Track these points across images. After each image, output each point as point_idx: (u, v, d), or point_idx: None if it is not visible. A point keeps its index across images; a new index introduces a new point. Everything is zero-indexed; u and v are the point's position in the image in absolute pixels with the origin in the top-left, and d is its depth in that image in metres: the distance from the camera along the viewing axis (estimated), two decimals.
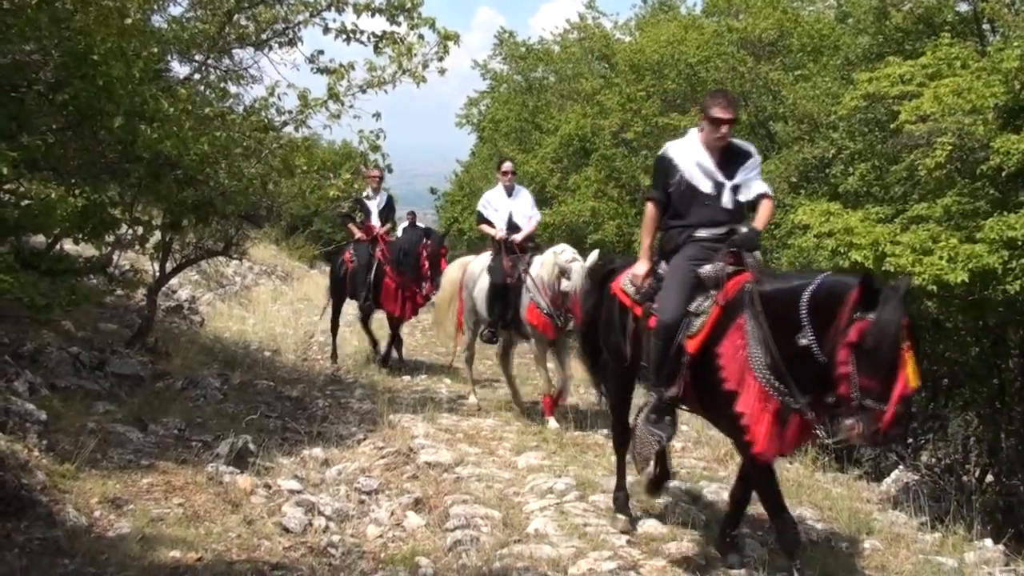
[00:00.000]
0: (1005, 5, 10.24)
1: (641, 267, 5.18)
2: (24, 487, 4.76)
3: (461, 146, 30.23)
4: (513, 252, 8.81)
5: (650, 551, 5.19)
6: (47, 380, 7.00)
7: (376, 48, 7.83)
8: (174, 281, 12.18)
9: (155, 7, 7.17)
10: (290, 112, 7.86)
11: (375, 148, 7.99)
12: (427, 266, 10.78)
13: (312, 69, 8.02)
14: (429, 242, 10.95)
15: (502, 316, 8.74)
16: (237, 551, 4.86)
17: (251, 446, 6.52)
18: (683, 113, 13.21)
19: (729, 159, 5.08)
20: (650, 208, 5.24)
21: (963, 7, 11.24)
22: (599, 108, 15.18)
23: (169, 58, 7.86)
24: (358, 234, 11.48)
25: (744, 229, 4.98)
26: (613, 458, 7.11)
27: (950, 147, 8.79)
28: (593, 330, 5.89)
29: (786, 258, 10.73)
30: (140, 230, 7.36)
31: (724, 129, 4.98)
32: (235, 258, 12.52)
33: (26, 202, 5.44)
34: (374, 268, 11.13)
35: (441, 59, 7.85)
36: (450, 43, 7.80)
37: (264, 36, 7.93)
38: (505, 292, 8.68)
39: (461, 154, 29.68)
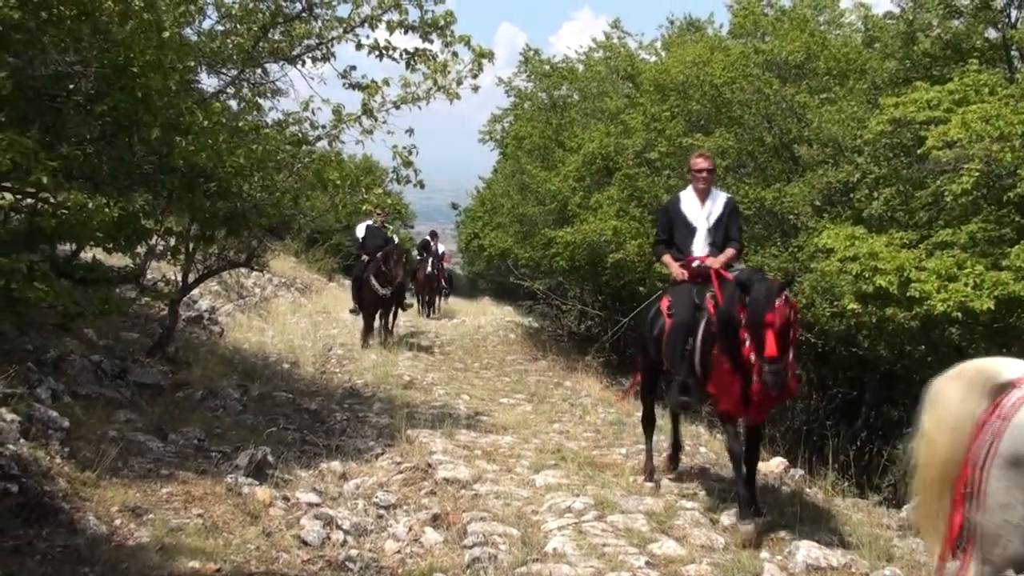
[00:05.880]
0: None
1: None
2: (46, 494, 4.78)
3: (480, 163, 30.37)
4: None
5: (669, 573, 5.15)
6: (69, 387, 7.05)
7: (408, 65, 7.89)
8: (195, 291, 12.26)
9: (188, 21, 7.24)
10: (323, 127, 7.93)
11: (407, 164, 8.04)
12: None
13: (343, 84, 8.10)
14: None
15: None
16: (256, 563, 4.87)
17: (270, 458, 6.54)
18: (707, 134, 13.16)
19: None
20: None
21: (992, 34, 11.19)
22: (623, 127, 15.15)
23: (200, 71, 7.95)
24: (675, 270, 6.79)
25: None
26: (631, 478, 7.12)
27: (977, 173, 8.72)
28: None
29: (808, 282, 10.65)
30: (172, 241, 7.41)
31: None
32: (256, 270, 12.64)
33: (63, 211, 5.49)
34: (700, 331, 6.24)
35: (475, 76, 7.93)
36: (484, 60, 7.87)
37: (297, 51, 7.99)
38: None
39: (483, 171, 29.81)
